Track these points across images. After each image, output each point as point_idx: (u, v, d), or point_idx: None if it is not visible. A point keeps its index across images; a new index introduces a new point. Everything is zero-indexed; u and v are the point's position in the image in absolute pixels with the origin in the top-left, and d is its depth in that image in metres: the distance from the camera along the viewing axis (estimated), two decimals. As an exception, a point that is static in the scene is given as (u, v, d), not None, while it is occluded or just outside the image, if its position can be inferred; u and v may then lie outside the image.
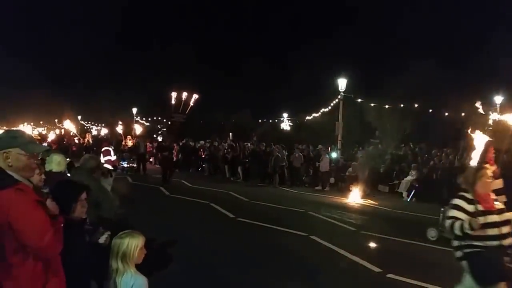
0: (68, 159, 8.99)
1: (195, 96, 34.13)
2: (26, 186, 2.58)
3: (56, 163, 5.47)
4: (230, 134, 24.19)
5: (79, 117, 52.00)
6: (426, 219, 12.23)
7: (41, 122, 57.51)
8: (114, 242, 3.21)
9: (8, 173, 2.56)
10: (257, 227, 9.76)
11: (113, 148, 11.88)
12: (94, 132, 32.59)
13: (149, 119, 48.63)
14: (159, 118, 47.12)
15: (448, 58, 28.22)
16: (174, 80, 34.42)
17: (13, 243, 2.45)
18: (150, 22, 55.41)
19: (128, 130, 28.23)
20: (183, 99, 33.55)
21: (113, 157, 10.86)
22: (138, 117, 43.35)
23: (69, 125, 20.86)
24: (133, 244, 3.15)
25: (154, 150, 25.34)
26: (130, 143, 24.39)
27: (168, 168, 17.40)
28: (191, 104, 34.08)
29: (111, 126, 30.80)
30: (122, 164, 20.96)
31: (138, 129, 26.10)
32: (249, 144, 22.60)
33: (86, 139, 25.46)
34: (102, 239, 3.58)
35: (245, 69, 40.17)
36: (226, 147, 21.81)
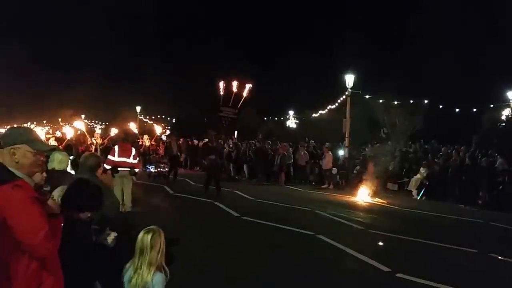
0: (72, 157, 9.08)
1: (249, 85, 28.56)
2: (24, 183, 2.57)
3: (58, 161, 5.51)
4: (235, 132, 24.18)
5: (83, 116, 52.25)
6: (436, 218, 12.22)
7: (44, 122, 56.96)
8: (142, 240, 3.32)
9: (8, 169, 2.56)
10: (262, 226, 9.75)
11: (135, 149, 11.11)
12: (98, 131, 31.93)
13: (153, 117, 48.80)
14: (163, 116, 47.21)
15: (459, 52, 27.97)
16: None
17: (8, 241, 2.44)
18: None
19: (145, 130, 26.69)
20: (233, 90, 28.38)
21: (116, 158, 10.21)
22: (142, 115, 43.52)
23: (80, 125, 18.91)
24: (161, 240, 3.34)
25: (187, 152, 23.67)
26: (147, 142, 22.28)
27: (216, 176, 14.54)
28: (244, 95, 28.47)
29: (121, 125, 29.91)
30: (149, 169, 18.87)
31: (158, 128, 23.65)
32: (254, 142, 22.60)
33: (101, 140, 22.28)
34: (109, 240, 3.60)
35: (250, 65, 40.12)
36: (231, 145, 21.83)
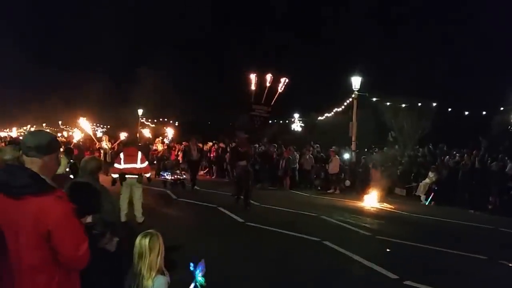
0: (71, 161, 9.09)
1: (284, 80, 24.16)
2: (63, 193, 2.60)
3: (58, 164, 5.53)
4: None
5: (84, 119, 52.29)
6: (445, 224, 12.16)
7: (44, 125, 56.54)
8: (140, 244, 3.32)
9: (45, 179, 2.54)
10: (267, 232, 9.72)
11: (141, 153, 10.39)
12: (99, 135, 31.27)
13: (155, 120, 48.89)
14: (165, 119, 47.28)
15: (468, 54, 27.95)
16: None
17: (47, 252, 2.45)
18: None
19: (158, 133, 25.75)
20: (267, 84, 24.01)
21: (122, 165, 9.83)
22: (144, 118, 43.62)
23: (87, 127, 17.55)
24: (160, 243, 3.34)
25: (213, 156, 22.34)
26: (160, 147, 21.12)
27: (246, 186, 12.76)
28: (279, 90, 23.89)
29: (132, 129, 28.79)
30: (164, 176, 17.27)
31: (170, 131, 22.64)
32: (258, 146, 22.55)
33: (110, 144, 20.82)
34: (111, 245, 3.61)
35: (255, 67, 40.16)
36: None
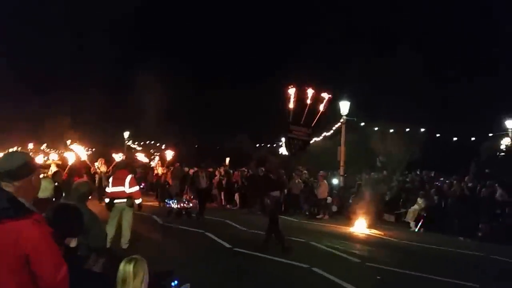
0: (56, 184, 8.95)
1: (326, 95, 19.10)
2: (41, 217, 2.58)
3: (42, 189, 5.44)
4: (227, 159, 24.06)
5: (68, 142, 51.68)
6: (435, 251, 12.16)
7: (30, 147, 53.75)
8: (124, 269, 3.27)
9: (22, 202, 2.52)
10: (256, 258, 9.64)
11: (132, 176, 10.17)
12: (84, 158, 30.37)
13: (142, 143, 48.65)
14: (152, 142, 47.10)
15: (457, 81, 28.53)
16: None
17: (26, 276, 2.44)
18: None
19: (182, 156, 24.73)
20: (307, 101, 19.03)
21: (110, 188, 9.73)
22: (130, 141, 43.40)
23: (79, 150, 16.07)
24: (144, 269, 3.29)
25: (224, 181, 21.34)
26: (160, 170, 20.16)
27: (274, 219, 10.92)
28: (321, 109, 19.18)
29: (127, 153, 27.65)
30: (169, 204, 16.14)
31: (169, 154, 21.19)
32: (246, 170, 22.52)
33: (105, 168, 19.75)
34: (97, 267, 3.57)
35: (242, 91, 40.56)
36: (222, 173, 21.74)
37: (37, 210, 3.99)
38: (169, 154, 20.61)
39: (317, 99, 18.80)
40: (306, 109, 19.30)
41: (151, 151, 42.94)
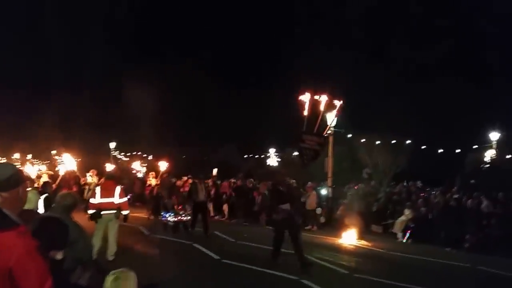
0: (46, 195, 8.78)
1: (337, 102, 18.29)
2: (26, 229, 2.51)
3: (28, 200, 5.34)
4: (214, 170, 23.97)
5: (53, 152, 51.08)
6: (423, 262, 12.19)
7: (14, 157, 51.57)
8: (110, 281, 3.20)
9: (6, 213, 2.46)
10: (244, 270, 9.55)
11: (121, 187, 10.14)
12: (74, 168, 29.51)
13: (128, 154, 48.35)
14: (139, 153, 46.79)
15: (441, 93, 28.87)
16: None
17: None
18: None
19: (148, 167, 23.62)
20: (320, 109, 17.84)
21: (97, 199, 9.55)
22: (116, 152, 43.09)
23: (70, 161, 15.46)
24: (131, 283, 3.21)
25: (212, 192, 20.27)
26: (153, 181, 19.30)
27: (295, 237, 9.89)
28: (334, 117, 18.33)
29: (119, 163, 26.78)
30: (165, 217, 15.14)
31: (162, 165, 20.30)
32: (234, 181, 22.44)
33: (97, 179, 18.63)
34: (83, 280, 3.50)
35: (232, 102, 40.62)
36: (210, 184, 21.62)
37: (22, 222, 3.94)
38: (163, 165, 19.95)
39: (314, 106, 17.72)
40: (320, 116, 18.11)
41: (138, 161, 42.69)
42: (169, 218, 14.75)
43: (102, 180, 17.67)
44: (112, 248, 9.46)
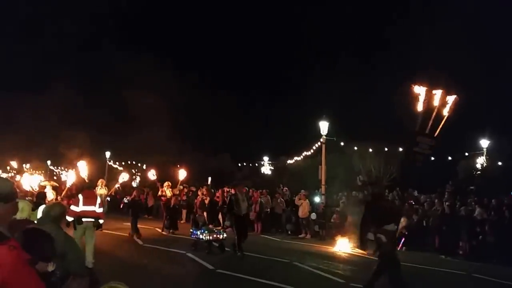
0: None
1: (451, 98, 12.27)
2: (16, 243, 2.49)
3: (20, 209, 5.19)
4: (209, 178, 23.83)
5: (49, 162, 50.70)
6: (418, 270, 12.04)
7: (8, 167, 50.55)
8: None
9: None
10: (239, 280, 9.36)
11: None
12: (64, 178, 28.61)
13: (123, 163, 47.97)
14: (134, 162, 46.46)
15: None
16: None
17: None
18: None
19: (164, 175, 21.54)
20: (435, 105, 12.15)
21: (80, 207, 9.60)
22: (111, 161, 42.75)
23: (83, 168, 14.57)
24: None
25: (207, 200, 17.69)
26: (168, 192, 17.61)
27: (396, 266, 8.23)
28: (445, 114, 12.33)
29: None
30: (196, 235, 12.95)
31: (182, 174, 18.74)
32: (228, 190, 22.27)
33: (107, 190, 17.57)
34: None
35: (225, 110, 40.50)
36: (204, 192, 21.38)
37: (11, 233, 3.79)
38: (182, 174, 18.61)
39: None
40: (433, 113, 13.30)
41: (132, 170, 42.29)
42: (201, 236, 12.75)
43: (112, 191, 17.49)
44: (90, 255, 9.23)
